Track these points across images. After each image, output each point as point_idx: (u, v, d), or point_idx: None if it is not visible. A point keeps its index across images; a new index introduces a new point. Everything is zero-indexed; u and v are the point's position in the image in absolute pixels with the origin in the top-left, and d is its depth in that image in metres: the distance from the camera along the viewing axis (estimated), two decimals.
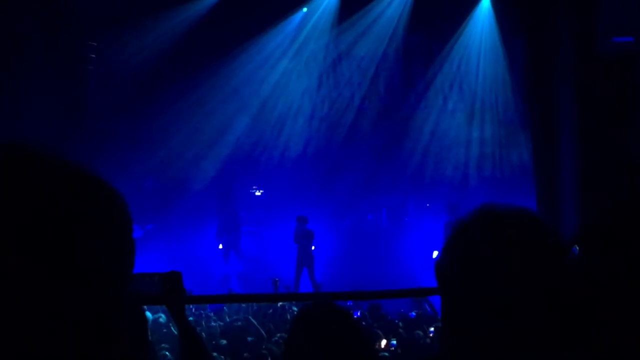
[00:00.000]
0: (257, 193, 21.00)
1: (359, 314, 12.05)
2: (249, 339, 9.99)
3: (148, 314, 10.91)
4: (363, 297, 10.16)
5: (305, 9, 19.37)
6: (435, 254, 17.85)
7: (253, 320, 10.55)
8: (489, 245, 1.75)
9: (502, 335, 1.70)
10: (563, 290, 1.74)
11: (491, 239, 1.76)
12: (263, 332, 10.08)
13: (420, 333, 10.45)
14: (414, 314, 11.51)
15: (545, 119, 14.50)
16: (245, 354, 9.15)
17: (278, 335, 10.06)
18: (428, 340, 10.11)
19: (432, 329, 10.56)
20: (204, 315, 11.85)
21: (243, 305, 12.78)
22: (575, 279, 1.80)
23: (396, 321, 11.31)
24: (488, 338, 1.71)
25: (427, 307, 12.18)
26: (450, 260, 1.82)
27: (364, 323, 10.57)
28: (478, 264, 1.74)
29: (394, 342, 9.99)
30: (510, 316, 1.69)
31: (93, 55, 16.56)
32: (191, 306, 11.56)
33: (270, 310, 12.14)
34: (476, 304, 1.73)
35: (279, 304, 12.21)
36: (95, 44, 16.64)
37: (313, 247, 17.17)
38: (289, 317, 11.41)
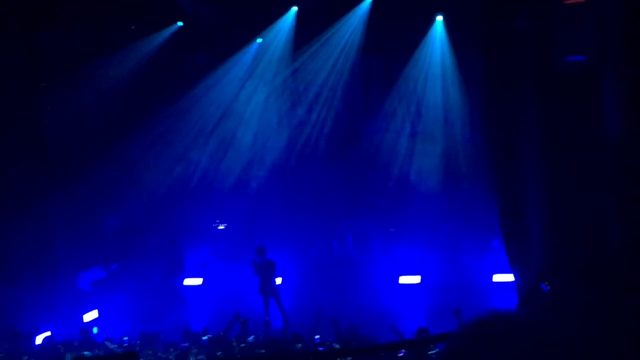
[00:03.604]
0: (220, 227, 20.79)
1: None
2: None
3: None
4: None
5: (260, 39, 19.39)
6: (401, 279, 17.87)
7: None
8: None
9: None
10: None
11: None
12: None
13: None
14: None
15: (504, 138, 14.65)
16: None
17: None
18: None
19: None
20: None
21: None
22: None
23: None
24: None
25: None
26: None
27: None
28: None
29: None
30: None
31: (47, 95, 16.39)
32: None
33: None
34: None
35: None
36: (48, 83, 16.49)
37: (280, 280, 17.01)
38: None
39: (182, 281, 18.31)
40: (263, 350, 11.63)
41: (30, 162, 15.45)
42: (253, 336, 12.57)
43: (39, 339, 14.35)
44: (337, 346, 11.82)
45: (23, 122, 15.47)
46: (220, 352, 11.88)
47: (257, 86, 20.11)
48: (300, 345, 11.97)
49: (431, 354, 10.60)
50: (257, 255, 16.41)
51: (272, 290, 16.31)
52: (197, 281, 18.96)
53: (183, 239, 18.59)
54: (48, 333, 14.65)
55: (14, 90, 15.21)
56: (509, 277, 15.58)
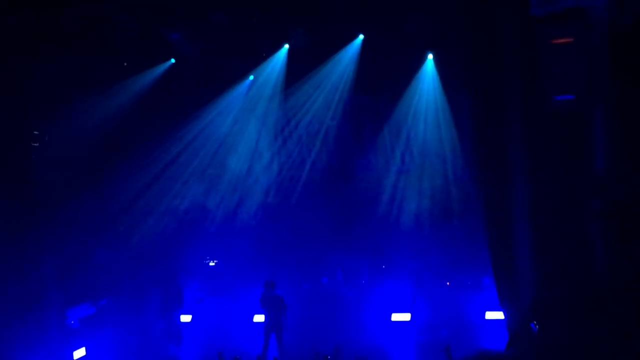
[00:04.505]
0: (211, 264, 20.68)
1: None
2: None
3: None
4: None
5: (251, 77, 19.49)
6: (394, 316, 17.81)
7: None
8: None
9: None
10: None
11: None
12: None
13: None
14: None
15: (494, 176, 14.74)
16: None
17: None
18: None
19: None
20: None
21: None
22: None
23: None
24: None
25: None
26: None
27: None
28: None
29: None
30: None
31: (36, 132, 16.39)
32: None
33: None
34: None
35: None
36: (38, 118, 16.50)
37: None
38: None
39: (179, 317, 18.21)
40: None
41: (17, 195, 15.38)
42: None
43: None
44: None
45: (10, 153, 15.43)
46: None
47: (248, 123, 20.18)
48: None
49: None
50: (267, 289, 16.32)
51: (277, 325, 16.20)
52: (187, 318, 18.83)
53: (180, 274, 18.53)
54: None
55: (2, 121, 15.19)
56: (501, 315, 15.57)
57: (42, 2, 14.65)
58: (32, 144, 16.43)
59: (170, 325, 17.60)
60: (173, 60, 18.57)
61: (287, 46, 18.55)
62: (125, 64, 17.94)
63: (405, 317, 17.79)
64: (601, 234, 12.58)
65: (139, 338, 17.39)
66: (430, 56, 18.22)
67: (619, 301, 11.70)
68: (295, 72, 18.96)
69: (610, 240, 12.36)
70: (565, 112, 12.80)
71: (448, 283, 19.18)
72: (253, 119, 20.17)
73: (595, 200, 12.63)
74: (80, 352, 16.48)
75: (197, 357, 16.80)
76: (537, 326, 13.48)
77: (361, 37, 18.02)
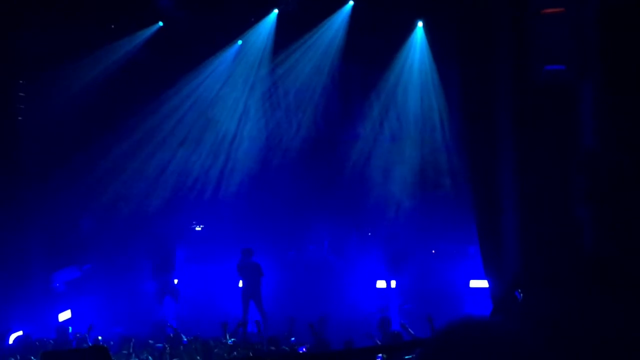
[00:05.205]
0: (198, 228, 20.69)
1: (304, 349, 12.15)
2: None
3: None
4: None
5: (240, 42, 19.34)
6: (379, 283, 17.91)
7: None
8: None
9: None
10: None
11: None
12: None
13: None
14: None
15: (481, 147, 14.75)
16: None
17: None
18: None
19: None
20: None
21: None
22: None
23: None
24: None
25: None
26: None
27: None
28: None
29: None
30: None
31: (22, 94, 16.25)
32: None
33: None
34: None
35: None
36: (24, 82, 16.36)
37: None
38: None
39: (172, 280, 18.31)
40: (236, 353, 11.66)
41: (2, 161, 15.31)
42: (232, 339, 12.56)
43: (11, 339, 14.23)
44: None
45: None
46: (199, 357, 11.86)
47: (235, 89, 20.05)
48: (286, 348, 12.05)
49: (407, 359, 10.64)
50: (244, 257, 16.41)
51: (257, 293, 16.34)
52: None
53: (170, 239, 18.59)
54: (20, 333, 14.53)
55: None
56: (485, 283, 15.69)
57: None
58: (18, 109, 16.35)
59: (165, 287, 17.72)
60: (161, 24, 18.38)
61: (276, 11, 18.40)
62: (112, 26, 17.76)
63: (383, 284, 17.96)
64: (588, 213, 12.61)
65: (127, 301, 17.44)
66: (420, 24, 18.12)
67: (607, 277, 11.77)
68: (285, 37, 18.83)
69: (597, 218, 12.39)
70: (555, 83, 12.77)
71: (433, 251, 19.26)
72: (240, 85, 20.03)
73: (583, 179, 12.64)
74: (66, 314, 16.53)
75: (184, 320, 16.90)
76: (521, 294, 13.60)
77: (351, 3, 17.90)
